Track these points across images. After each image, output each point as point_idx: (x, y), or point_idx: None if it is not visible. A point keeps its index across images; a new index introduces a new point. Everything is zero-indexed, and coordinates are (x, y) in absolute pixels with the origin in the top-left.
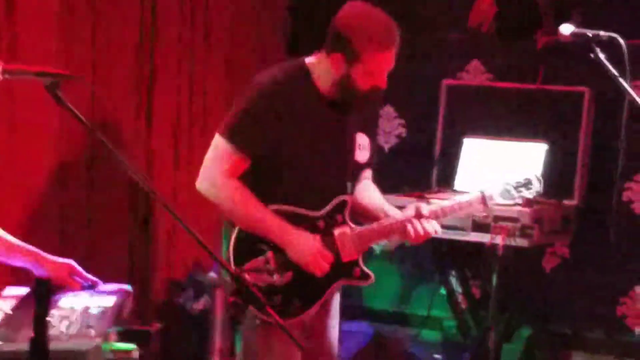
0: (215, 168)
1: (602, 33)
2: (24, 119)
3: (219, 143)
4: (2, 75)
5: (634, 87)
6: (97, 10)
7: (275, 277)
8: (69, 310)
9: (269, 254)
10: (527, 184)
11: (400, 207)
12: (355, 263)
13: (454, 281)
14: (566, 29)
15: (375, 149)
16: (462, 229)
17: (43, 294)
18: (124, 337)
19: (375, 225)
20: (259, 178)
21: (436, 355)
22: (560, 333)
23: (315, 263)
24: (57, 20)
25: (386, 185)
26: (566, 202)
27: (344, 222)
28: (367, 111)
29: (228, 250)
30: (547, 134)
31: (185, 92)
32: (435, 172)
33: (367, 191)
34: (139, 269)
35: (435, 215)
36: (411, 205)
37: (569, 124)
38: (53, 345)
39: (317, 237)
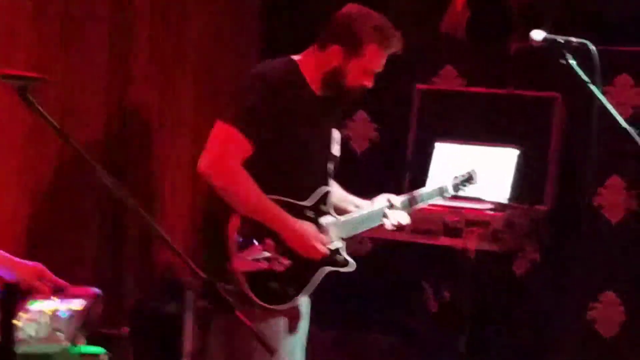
0: (225, 153)
1: (573, 39)
2: None
3: (226, 130)
4: None
5: (604, 93)
6: (69, 12)
7: (274, 264)
8: (37, 314)
9: (268, 241)
10: (469, 179)
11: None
12: (338, 250)
13: (425, 285)
14: (538, 34)
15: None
16: (434, 233)
17: (10, 298)
18: (93, 340)
19: (355, 214)
20: (254, 167)
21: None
22: (530, 338)
23: (314, 248)
24: (29, 22)
25: (358, 189)
26: (537, 206)
27: (328, 212)
28: (342, 108)
29: (224, 237)
30: (519, 139)
31: (158, 95)
32: (407, 177)
33: (334, 185)
34: (110, 271)
35: (404, 206)
36: (383, 197)
37: (540, 130)
38: (21, 349)
39: (311, 224)
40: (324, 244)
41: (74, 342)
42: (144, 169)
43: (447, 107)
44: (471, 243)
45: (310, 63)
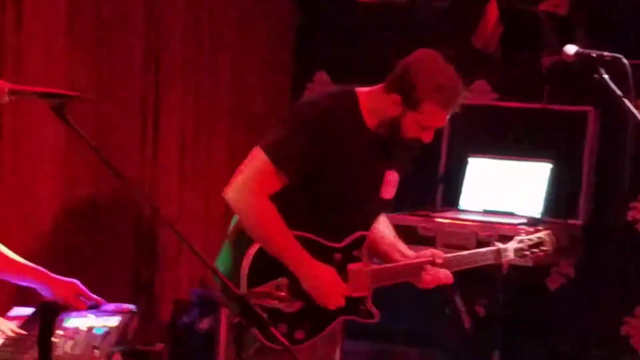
0: (254, 182)
1: (606, 53)
2: (30, 140)
3: (260, 159)
4: (8, 97)
5: (638, 107)
6: (101, 29)
7: (285, 304)
8: (73, 331)
9: (283, 280)
10: (539, 244)
11: (405, 227)
12: (363, 300)
13: (458, 300)
14: (570, 49)
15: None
16: (466, 247)
17: (48, 316)
18: (128, 357)
19: (390, 265)
20: (287, 201)
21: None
22: (564, 353)
23: (329, 297)
24: (63, 40)
25: (391, 204)
26: (571, 221)
27: (359, 258)
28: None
29: (239, 267)
30: (552, 153)
31: (191, 109)
32: (440, 191)
33: (383, 227)
34: (144, 288)
35: (449, 265)
36: (427, 251)
37: (574, 144)
38: None
39: (332, 269)
40: (342, 294)
41: (109, 359)
42: (176, 183)
43: (480, 121)
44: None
45: (373, 101)
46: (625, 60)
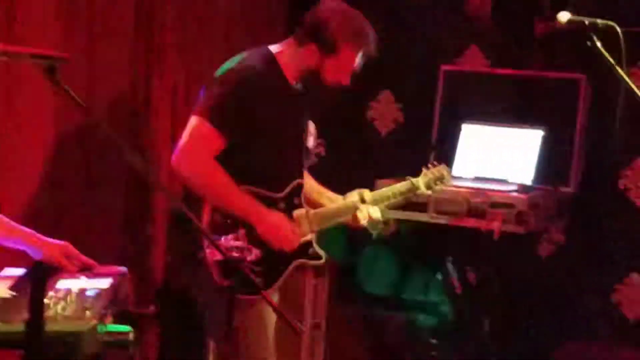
0: (199, 148)
1: (599, 21)
2: (20, 101)
3: (200, 125)
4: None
5: (630, 75)
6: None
7: (245, 253)
8: (64, 292)
9: (241, 231)
10: (441, 178)
11: None
12: (309, 243)
13: (449, 266)
14: (563, 16)
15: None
16: (458, 214)
17: (39, 278)
18: (120, 319)
19: (328, 208)
20: (227, 159)
21: (432, 340)
22: (555, 319)
23: (287, 239)
24: (55, 2)
25: (382, 170)
26: (562, 188)
27: (301, 204)
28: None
29: (196, 227)
30: (544, 120)
31: (183, 74)
32: (432, 158)
33: (309, 178)
34: (136, 251)
35: (376, 201)
36: (354, 192)
37: (566, 111)
38: (48, 327)
39: (283, 215)
40: (296, 236)
41: (101, 321)
42: (169, 144)
43: (472, 88)
44: (495, 225)
45: (288, 56)
46: (617, 28)
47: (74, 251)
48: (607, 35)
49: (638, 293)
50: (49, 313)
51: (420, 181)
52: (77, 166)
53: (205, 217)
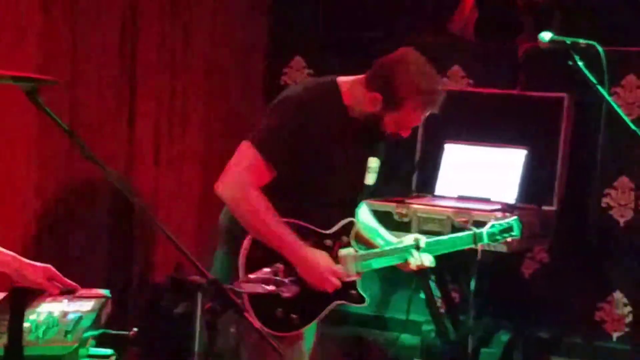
0: (244, 176)
1: (580, 40)
2: (2, 124)
3: (249, 152)
4: None
5: (612, 94)
6: (76, 13)
7: (282, 290)
8: (46, 315)
9: (280, 266)
10: (509, 229)
11: (381, 212)
12: (353, 285)
13: (433, 285)
14: (545, 36)
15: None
16: (441, 233)
17: (19, 301)
18: (101, 342)
19: (378, 250)
20: (276, 190)
21: None
22: (538, 338)
23: (327, 280)
24: (37, 24)
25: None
26: (545, 207)
27: (348, 243)
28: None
29: (235, 258)
30: (527, 140)
31: (167, 93)
32: (415, 178)
33: (365, 214)
34: (119, 272)
35: (431, 249)
36: (410, 236)
37: (549, 130)
38: (30, 351)
39: (325, 254)
40: (337, 277)
41: (83, 344)
42: (151, 168)
43: (455, 107)
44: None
45: (354, 94)
46: (599, 48)
47: (56, 274)
48: (590, 55)
49: (621, 311)
50: (30, 337)
51: (485, 233)
52: (59, 189)
53: (245, 245)
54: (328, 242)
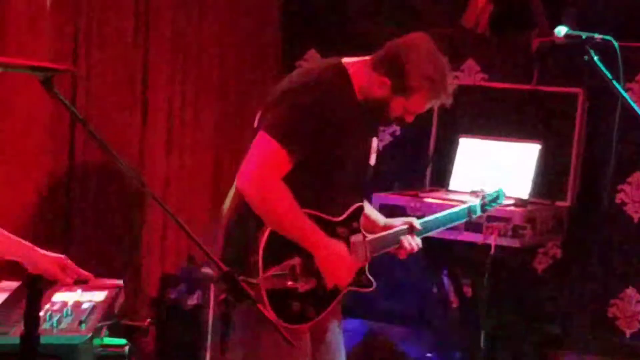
0: (267, 170)
1: (596, 35)
2: (16, 111)
3: (268, 144)
4: None
5: (627, 89)
6: (90, 2)
7: (299, 283)
8: (60, 305)
9: (297, 259)
10: (496, 198)
11: (394, 206)
12: (363, 270)
13: (445, 280)
14: (560, 30)
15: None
16: (454, 227)
17: (34, 290)
18: (115, 332)
19: (384, 234)
20: (292, 180)
21: (428, 354)
22: (550, 333)
23: (345, 278)
24: (50, 13)
25: (380, 183)
26: (559, 202)
27: (358, 229)
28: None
29: (255, 252)
30: (541, 134)
31: (179, 83)
32: (429, 171)
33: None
34: (132, 263)
35: (427, 228)
36: (402, 220)
37: (563, 125)
38: (44, 340)
39: (344, 246)
40: (353, 270)
41: (97, 334)
42: (163, 157)
43: (469, 102)
44: (492, 239)
45: (360, 76)
46: (615, 43)
47: (70, 264)
48: (605, 50)
49: (634, 307)
50: (45, 326)
51: (478, 206)
52: (70, 180)
53: (263, 239)
54: (340, 230)
